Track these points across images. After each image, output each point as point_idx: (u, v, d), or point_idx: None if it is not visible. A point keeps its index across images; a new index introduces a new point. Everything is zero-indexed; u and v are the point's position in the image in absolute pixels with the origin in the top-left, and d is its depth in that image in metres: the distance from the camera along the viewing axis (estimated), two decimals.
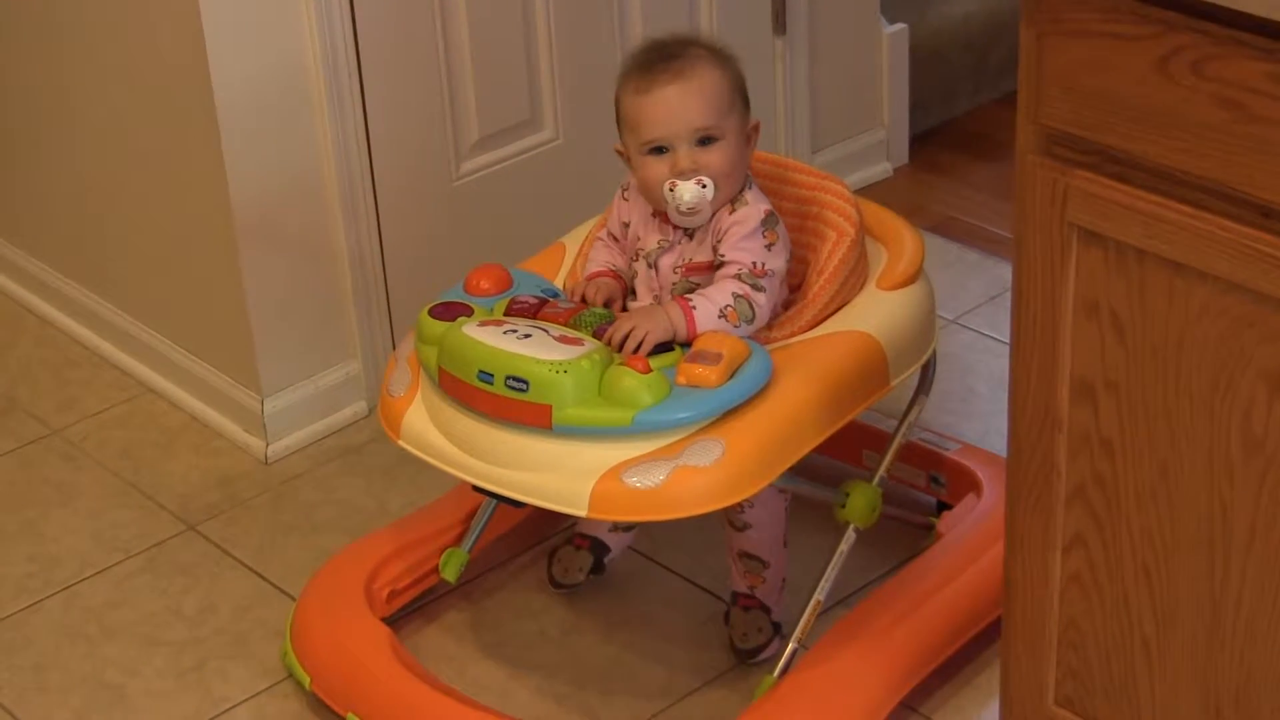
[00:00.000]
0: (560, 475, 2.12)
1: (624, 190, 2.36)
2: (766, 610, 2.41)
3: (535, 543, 2.65)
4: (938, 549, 2.45)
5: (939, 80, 3.65)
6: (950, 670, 2.37)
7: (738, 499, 2.13)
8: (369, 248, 2.87)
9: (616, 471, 2.10)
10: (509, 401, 2.12)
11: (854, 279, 2.32)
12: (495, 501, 2.39)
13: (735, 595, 2.43)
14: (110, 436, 2.94)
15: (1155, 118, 1.67)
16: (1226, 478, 1.77)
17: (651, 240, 2.30)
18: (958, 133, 3.67)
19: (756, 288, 2.21)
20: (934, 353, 2.38)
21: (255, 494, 2.80)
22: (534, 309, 2.24)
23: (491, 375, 2.13)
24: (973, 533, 2.45)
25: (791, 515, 2.40)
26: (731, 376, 2.13)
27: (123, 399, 3.03)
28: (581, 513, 2.12)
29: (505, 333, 2.17)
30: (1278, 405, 1.70)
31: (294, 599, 2.56)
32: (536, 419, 2.11)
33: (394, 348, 2.92)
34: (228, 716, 2.41)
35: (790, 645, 2.30)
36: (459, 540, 2.53)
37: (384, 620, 2.41)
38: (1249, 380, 1.71)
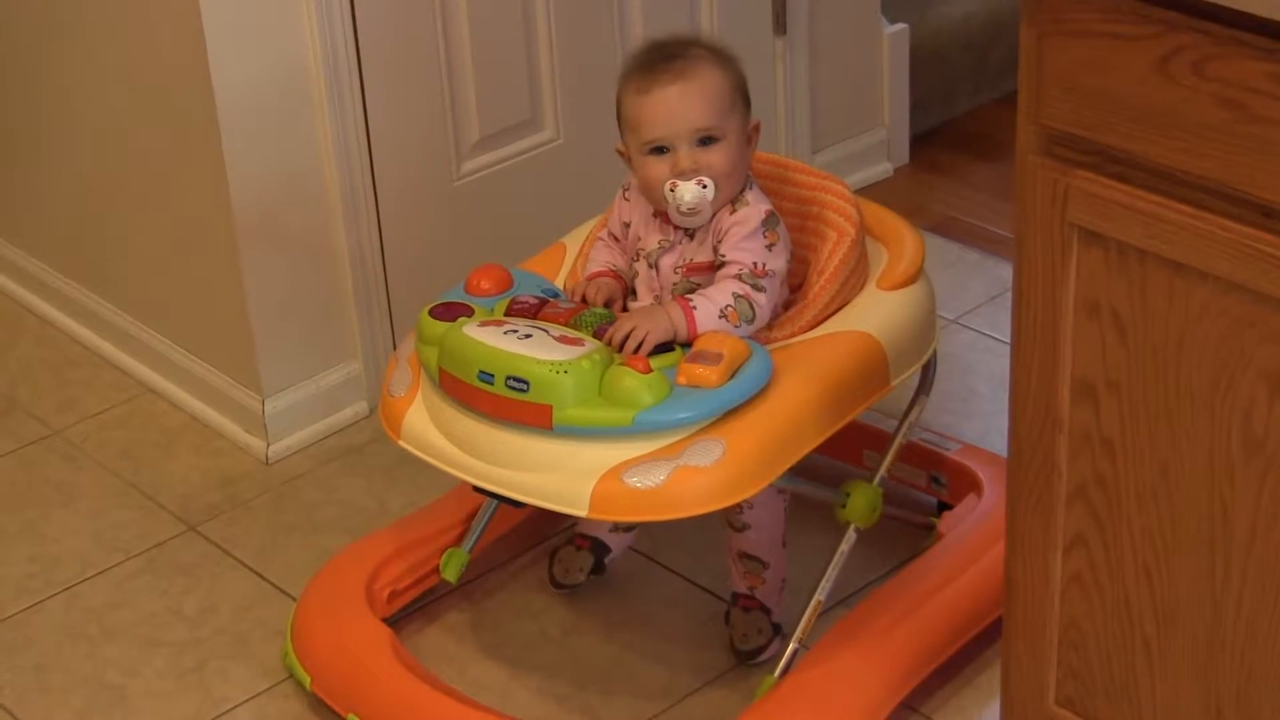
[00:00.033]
0: (561, 475, 2.12)
1: (625, 190, 2.36)
2: (767, 611, 2.41)
3: (536, 543, 2.65)
4: (938, 549, 2.45)
5: (939, 80, 3.65)
6: (951, 670, 2.37)
7: (738, 499, 2.13)
8: (370, 248, 2.87)
9: (617, 472, 2.10)
10: (509, 402, 2.12)
11: (854, 279, 2.32)
12: (496, 502, 2.39)
13: (735, 596, 2.43)
14: (111, 437, 2.94)
15: (1156, 118, 1.67)
16: (1227, 478, 1.76)
17: (652, 240, 2.30)
18: (958, 133, 3.67)
19: (757, 288, 2.21)
20: (934, 353, 2.38)
21: (256, 494, 2.80)
22: (534, 309, 2.24)
23: (492, 375, 2.13)
24: (973, 533, 2.45)
25: (792, 515, 2.40)
26: (732, 377, 2.13)
27: (123, 399, 3.03)
28: (582, 513, 2.12)
29: (506, 333, 2.17)
30: (1278, 405, 1.70)
31: (295, 599, 2.56)
32: (537, 419, 2.11)
33: (394, 348, 2.92)
34: (228, 717, 2.41)
35: (791, 645, 2.30)
36: (460, 540, 2.53)
37: (385, 620, 2.41)
38: (1249, 380, 1.71)
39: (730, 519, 2.36)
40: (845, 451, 2.59)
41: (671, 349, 2.17)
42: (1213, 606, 1.83)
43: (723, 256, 2.23)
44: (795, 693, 2.25)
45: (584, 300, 2.29)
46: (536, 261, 2.44)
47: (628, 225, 2.34)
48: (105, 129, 2.94)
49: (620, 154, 2.31)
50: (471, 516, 2.54)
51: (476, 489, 2.21)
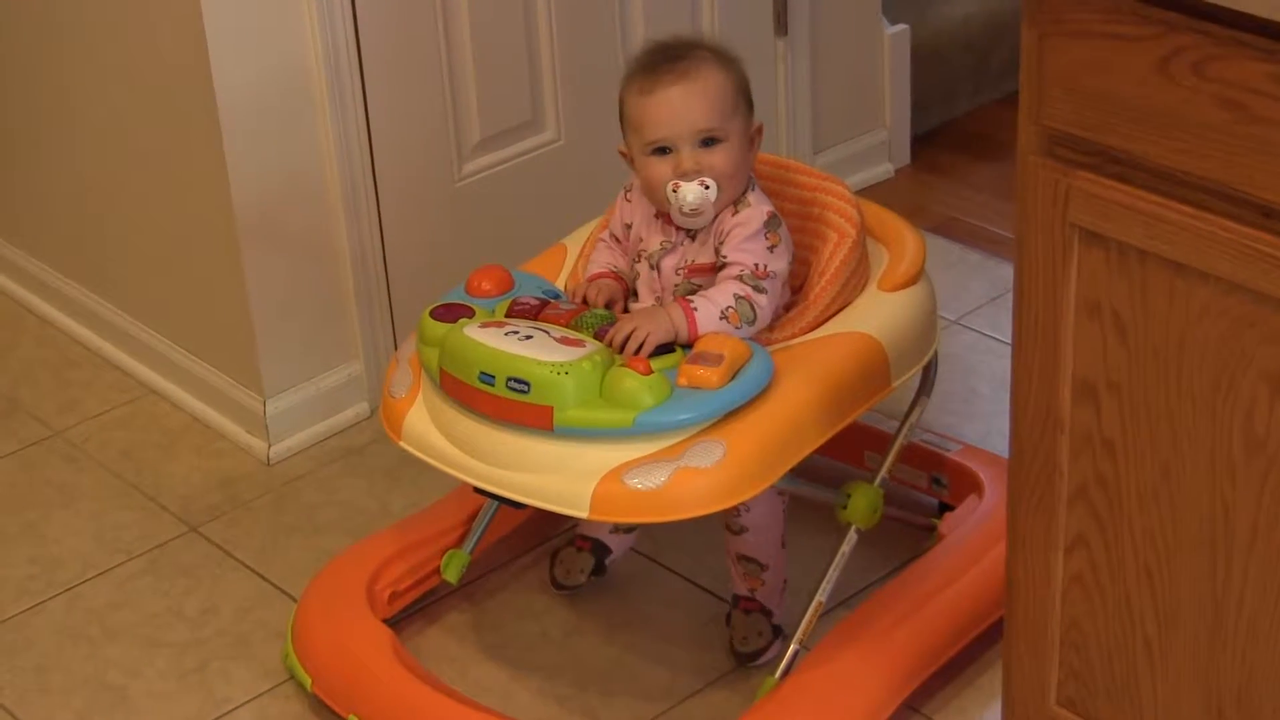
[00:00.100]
0: (561, 477, 2.12)
1: (626, 191, 2.36)
2: (767, 613, 2.41)
3: (537, 544, 2.64)
4: (939, 550, 2.45)
5: (940, 81, 3.65)
6: (952, 671, 2.37)
7: (739, 500, 2.13)
8: (371, 249, 2.87)
9: (618, 473, 2.10)
10: (510, 403, 2.12)
11: (855, 280, 2.32)
12: (496, 503, 2.39)
13: (736, 598, 2.43)
14: (112, 438, 2.94)
15: (1156, 118, 1.67)
16: (1228, 478, 1.76)
17: (654, 242, 2.30)
18: (959, 133, 3.67)
19: (758, 289, 2.21)
20: (935, 354, 2.38)
21: (257, 495, 2.80)
22: (535, 310, 2.24)
23: (493, 376, 2.13)
24: (974, 534, 2.45)
25: (793, 516, 2.40)
26: (733, 378, 2.13)
27: (124, 400, 3.03)
28: (583, 514, 2.11)
29: (506, 334, 2.17)
30: (1279, 406, 1.70)
31: (296, 600, 2.56)
32: (538, 420, 2.11)
33: (395, 349, 2.92)
34: (230, 718, 2.41)
35: (792, 646, 2.30)
36: (460, 541, 2.53)
37: (385, 621, 2.42)
38: (1250, 380, 1.71)
39: (728, 522, 2.36)
40: (846, 452, 2.59)
41: (672, 350, 2.17)
42: (1214, 607, 1.83)
43: (724, 258, 2.23)
44: (796, 694, 2.24)
45: (585, 301, 2.29)
46: (537, 263, 2.44)
47: (629, 226, 2.34)
48: (106, 129, 2.94)
49: (623, 155, 2.31)
50: (472, 518, 2.54)
51: (477, 490, 2.21)
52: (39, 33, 2.99)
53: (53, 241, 3.21)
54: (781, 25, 3.27)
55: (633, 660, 2.46)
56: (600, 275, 2.34)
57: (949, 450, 2.62)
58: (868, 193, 3.37)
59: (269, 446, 2.87)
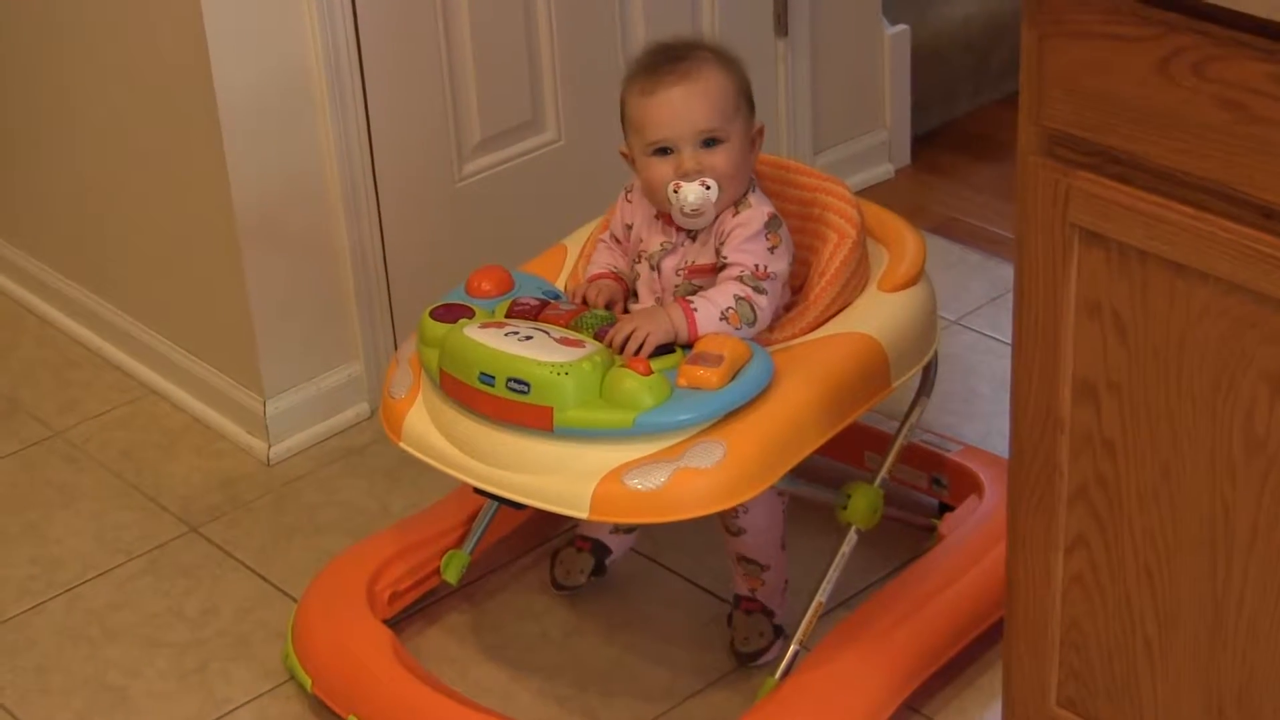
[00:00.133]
0: (561, 477, 2.12)
1: (627, 192, 2.36)
2: (769, 613, 2.41)
3: (537, 545, 2.64)
4: (939, 550, 2.45)
5: (940, 81, 3.65)
6: (952, 671, 2.37)
7: (739, 500, 2.13)
8: (371, 249, 2.87)
9: (618, 473, 2.10)
10: (510, 403, 2.12)
11: (855, 281, 2.32)
12: (496, 504, 2.39)
13: (738, 598, 2.43)
14: (112, 438, 2.94)
15: (1156, 119, 1.67)
16: (1229, 478, 1.76)
17: (654, 242, 2.30)
18: (959, 134, 3.67)
19: (758, 290, 2.20)
20: (935, 354, 2.38)
21: (257, 496, 2.80)
22: (535, 311, 2.24)
23: (493, 377, 2.13)
24: (975, 534, 2.45)
25: (793, 517, 2.40)
26: (733, 378, 2.13)
27: (124, 400, 3.03)
28: (583, 515, 2.11)
29: (506, 335, 2.17)
30: (1279, 406, 1.70)
31: (296, 601, 2.56)
32: (538, 421, 2.11)
33: (396, 349, 2.92)
34: (230, 718, 2.41)
35: (792, 647, 2.30)
36: (460, 542, 2.53)
37: (385, 622, 2.42)
38: (1251, 381, 1.71)
39: (726, 524, 2.36)
40: (846, 453, 2.59)
41: (672, 351, 2.17)
42: (1214, 607, 1.83)
43: (725, 258, 2.23)
44: (796, 694, 2.24)
45: (585, 302, 2.29)
46: (537, 263, 2.44)
47: (630, 227, 2.34)
48: (106, 129, 2.94)
49: (624, 156, 2.31)
50: (472, 518, 2.54)
51: (477, 491, 2.21)
52: (39, 33, 2.99)
53: (53, 242, 3.21)
54: (782, 26, 3.27)
55: (633, 661, 2.46)
56: (600, 276, 2.34)
57: (949, 451, 2.62)
58: (868, 193, 3.37)
59: (269, 447, 2.87)
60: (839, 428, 2.22)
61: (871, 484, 2.36)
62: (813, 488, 2.34)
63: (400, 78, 2.82)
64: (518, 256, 2.49)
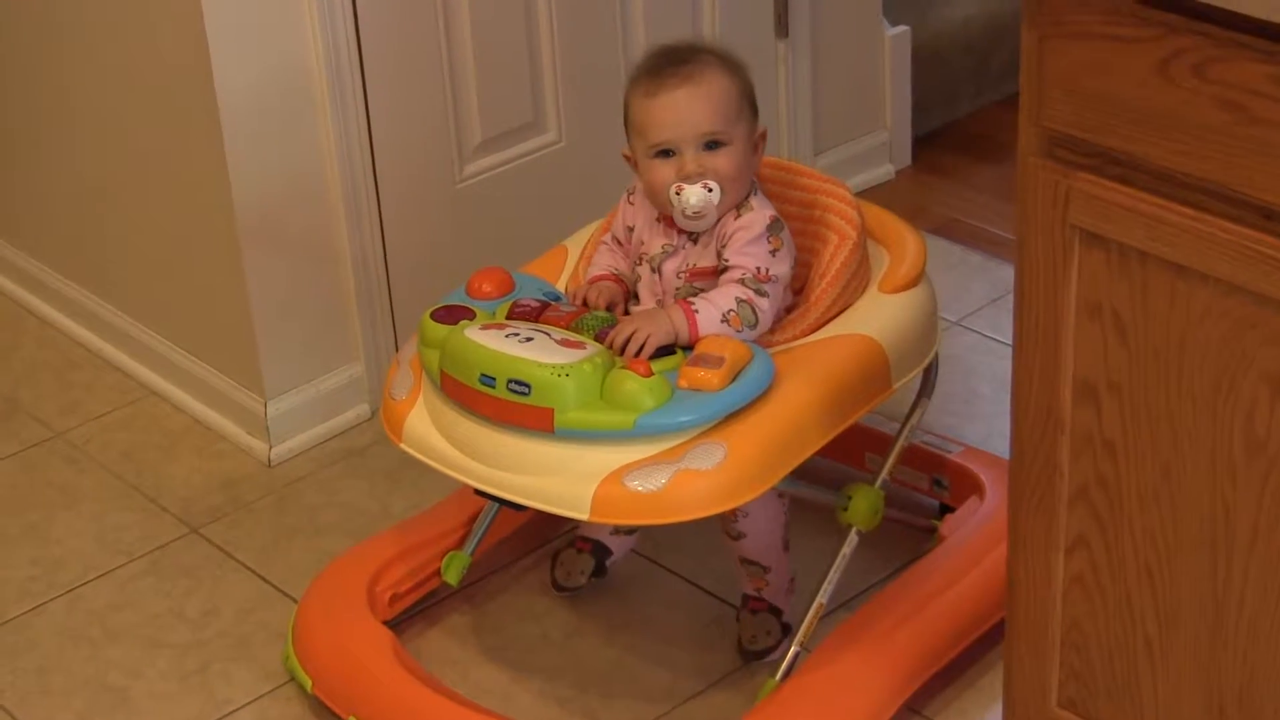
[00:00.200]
0: (562, 479, 2.12)
1: (629, 194, 2.36)
2: (776, 611, 2.41)
3: (537, 546, 2.64)
4: (940, 551, 2.45)
5: (941, 82, 3.65)
6: (953, 672, 2.37)
7: (740, 502, 2.13)
8: (372, 250, 2.87)
9: (618, 475, 2.10)
10: (511, 405, 2.12)
11: (856, 282, 2.32)
12: (497, 505, 2.39)
13: (745, 598, 2.43)
14: (113, 439, 2.94)
15: (1156, 120, 1.67)
16: (1229, 479, 1.76)
17: (656, 245, 2.30)
18: (960, 135, 3.67)
19: (760, 293, 2.20)
20: (936, 355, 2.38)
21: (258, 497, 2.80)
22: (536, 312, 2.24)
23: (493, 378, 2.13)
24: (975, 535, 2.45)
25: (793, 518, 2.39)
26: (733, 380, 2.13)
27: (125, 402, 3.03)
28: (583, 516, 2.12)
29: (507, 336, 2.17)
30: (1279, 407, 1.70)
31: (296, 602, 2.56)
32: (538, 422, 2.11)
33: (396, 350, 2.92)
34: (230, 719, 2.41)
35: (793, 648, 2.30)
36: (461, 543, 2.53)
37: (386, 623, 2.42)
38: (1251, 382, 1.71)
39: (725, 527, 2.36)
40: (847, 454, 2.59)
41: (673, 352, 2.17)
42: (1215, 607, 1.83)
43: (726, 261, 2.23)
44: (797, 695, 2.24)
45: (585, 304, 2.29)
46: (538, 264, 2.44)
47: (631, 229, 2.34)
48: (106, 129, 2.94)
49: (626, 159, 2.31)
50: (473, 519, 2.54)
51: (478, 492, 2.21)
52: (39, 33, 2.99)
53: (53, 242, 3.21)
54: (782, 27, 3.27)
55: (634, 662, 2.46)
56: (601, 277, 2.34)
57: (950, 452, 2.62)
58: (868, 194, 3.37)
59: (270, 448, 2.87)
60: (840, 429, 2.22)
61: (872, 485, 2.36)
62: (813, 489, 2.34)
63: (401, 78, 2.82)
64: (518, 258, 2.49)
